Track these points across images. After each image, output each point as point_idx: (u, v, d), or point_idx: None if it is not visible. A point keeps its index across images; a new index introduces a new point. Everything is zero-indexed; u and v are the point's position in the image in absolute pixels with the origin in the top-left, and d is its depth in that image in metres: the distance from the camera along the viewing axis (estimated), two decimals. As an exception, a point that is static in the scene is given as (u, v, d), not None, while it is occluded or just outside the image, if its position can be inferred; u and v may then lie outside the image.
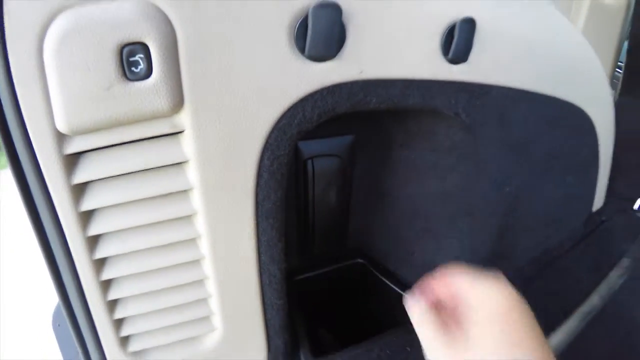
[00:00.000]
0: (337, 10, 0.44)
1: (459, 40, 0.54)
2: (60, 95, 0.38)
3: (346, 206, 0.89)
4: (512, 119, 0.72)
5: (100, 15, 0.36)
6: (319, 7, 0.43)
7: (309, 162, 0.77)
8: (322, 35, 0.45)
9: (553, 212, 1.01)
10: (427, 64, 0.56)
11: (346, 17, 0.46)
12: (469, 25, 0.54)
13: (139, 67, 0.39)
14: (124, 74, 0.38)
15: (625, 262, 1.07)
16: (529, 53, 0.71)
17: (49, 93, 0.38)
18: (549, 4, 0.81)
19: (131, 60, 0.38)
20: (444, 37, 0.54)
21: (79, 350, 0.58)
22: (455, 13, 0.54)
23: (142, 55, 0.38)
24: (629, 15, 1.54)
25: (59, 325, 0.94)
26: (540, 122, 0.79)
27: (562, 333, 0.83)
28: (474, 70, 0.61)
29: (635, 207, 1.39)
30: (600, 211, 1.27)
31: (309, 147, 0.76)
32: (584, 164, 1.06)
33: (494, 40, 0.61)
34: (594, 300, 0.93)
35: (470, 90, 0.62)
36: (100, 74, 0.38)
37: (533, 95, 0.74)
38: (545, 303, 0.90)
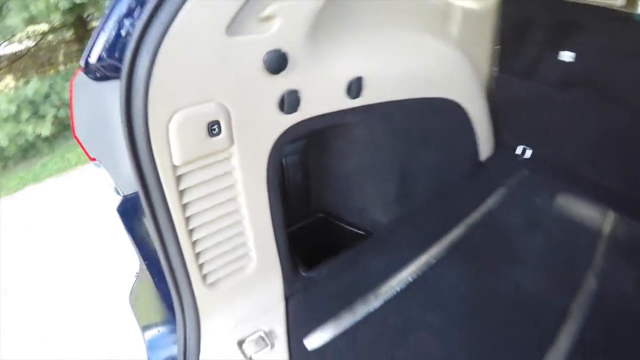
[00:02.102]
0: (296, 93, 0.97)
1: (354, 88, 1.10)
2: (177, 147, 0.85)
3: (307, 181, 1.44)
4: (394, 118, 1.30)
5: (199, 111, 0.85)
6: (289, 93, 0.96)
7: (284, 158, 1.31)
8: (292, 103, 0.98)
9: (439, 166, 1.61)
10: (339, 102, 1.11)
11: (300, 93, 0.99)
12: (358, 80, 1.10)
13: (215, 131, 0.88)
14: (208, 134, 0.87)
15: (502, 190, 1.70)
16: (404, 78, 1.29)
17: (170, 146, 0.84)
18: (421, 36, 1.38)
19: (212, 127, 0.87)
20: (347, 87, 1.09)
21: (172, 290, 1.04)
22: (352, 73, 1.10)
23: (216, 126, 0.88)
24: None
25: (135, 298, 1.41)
26: (416, 115, 1.37)
27: (452, 236, 1.44)
28: (366, 100, 1.17)
29: (518, 152, 1.99)
30: (489, 159, 1.88)
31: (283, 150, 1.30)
32: (460, 135, 1.66)
33: (376, 82, 1.18)
34: (476, 215, 1.53)
35: (364, 110, 1.18)
36: (197, 136, 0.86)
37: (408, 100, 1.32)
38: (437, 217, 1.49)
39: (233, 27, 0.80)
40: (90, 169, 1.03)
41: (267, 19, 0.84)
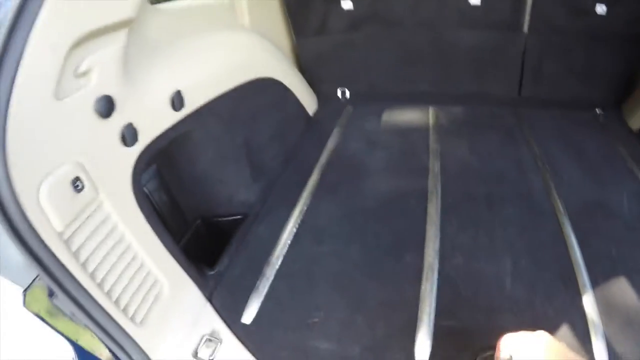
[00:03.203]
0: (132, 125, 1.08)
1: (176, 101, 1.24)
2: (54, 214, 0.88)
3: (173, 198, 1.55)
4: (222, 111, 1.49)
5: (59, 174, 0.89)
6: (126, 127, 1.06)
7: (145, 187, 1.39)
8: (131, 135, 1.08)
9: (277, 134, 1.87)
10: (170, 118, 1.25)
11: (135, 124, 1.10)
12: (178, 93, 1.25)
13: (79, 186, 0.94)
14: (75, 192, 0.93)
15: (336, 129, 2.04)
16: (216, 76, 1.50)
17: (48, 216, 0.88)
18: (218, 35, 1.60)
19: (76, 184, 0.93)
20: (171, 102, 1.23)
21: (113, 346, 1.06)
22: (170, 90, 1.24)
23: (79, 182, 0.94)
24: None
25: None
26: (240, 100, 1.59)
27: (310, 184, 1.71)
28: (191, 106, 1.32)
29: (339, 96, 2.41)
30: (317, 111, 2.25)
31: (143, 177, 1.37)
32: (285, 102, 1.96)
33: (193, 88, 1.34)
34: (323, 159, 1.86)
35: (194, 115, 1.34)
36: (67, 196, 0.91)
37: (228, 92, 1.53)
38: (293, 176, 1.75)
39: (58, 92, 0.87)
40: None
41: (85, 73, 0.93)
